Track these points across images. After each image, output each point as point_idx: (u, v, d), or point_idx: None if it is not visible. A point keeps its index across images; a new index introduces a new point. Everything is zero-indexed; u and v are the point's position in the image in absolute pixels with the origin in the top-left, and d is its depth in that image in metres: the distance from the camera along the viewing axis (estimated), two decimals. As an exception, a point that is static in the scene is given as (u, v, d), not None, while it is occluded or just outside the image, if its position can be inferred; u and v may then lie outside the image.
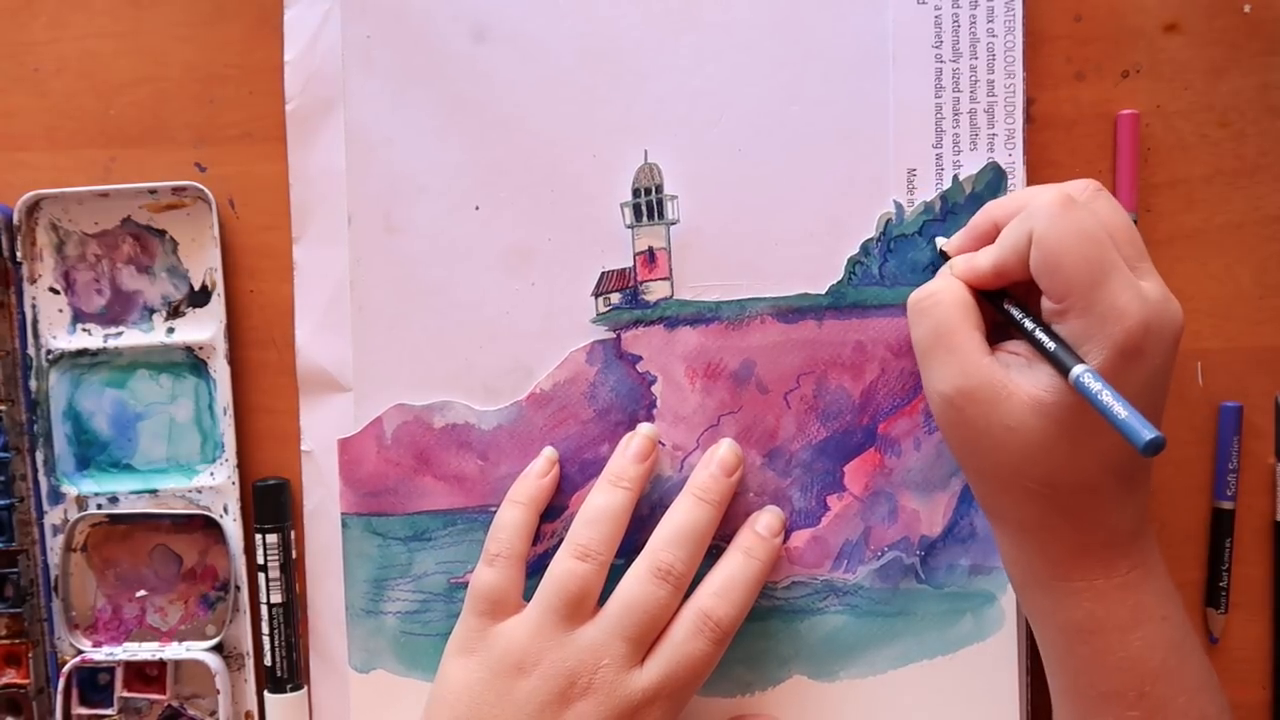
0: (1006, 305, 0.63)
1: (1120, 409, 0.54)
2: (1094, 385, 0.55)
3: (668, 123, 0.71)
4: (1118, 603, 0.61)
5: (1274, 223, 0.72)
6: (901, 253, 0.70)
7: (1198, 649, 0.63)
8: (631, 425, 0.72)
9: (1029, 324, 0.61)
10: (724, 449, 0.70)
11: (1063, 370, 0.57)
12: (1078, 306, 0.57)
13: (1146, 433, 0.52)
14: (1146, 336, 0.57)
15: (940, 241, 0.69)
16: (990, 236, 0.64)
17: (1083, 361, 0.56)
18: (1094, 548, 0.61)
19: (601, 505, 0.68)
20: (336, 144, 0.72)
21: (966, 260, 0.64)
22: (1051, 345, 0.58)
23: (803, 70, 0.70)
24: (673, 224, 0.70)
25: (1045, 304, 0.59)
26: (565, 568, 0.67)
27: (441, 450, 0.73)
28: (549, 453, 0.72)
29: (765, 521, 0.70)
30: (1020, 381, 0.59)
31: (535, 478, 0.71)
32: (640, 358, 0.71)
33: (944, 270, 0.66)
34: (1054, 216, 0.58)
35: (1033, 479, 0.60)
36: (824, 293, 0.70)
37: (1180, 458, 0.73)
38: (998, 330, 0.63)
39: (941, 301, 0.63)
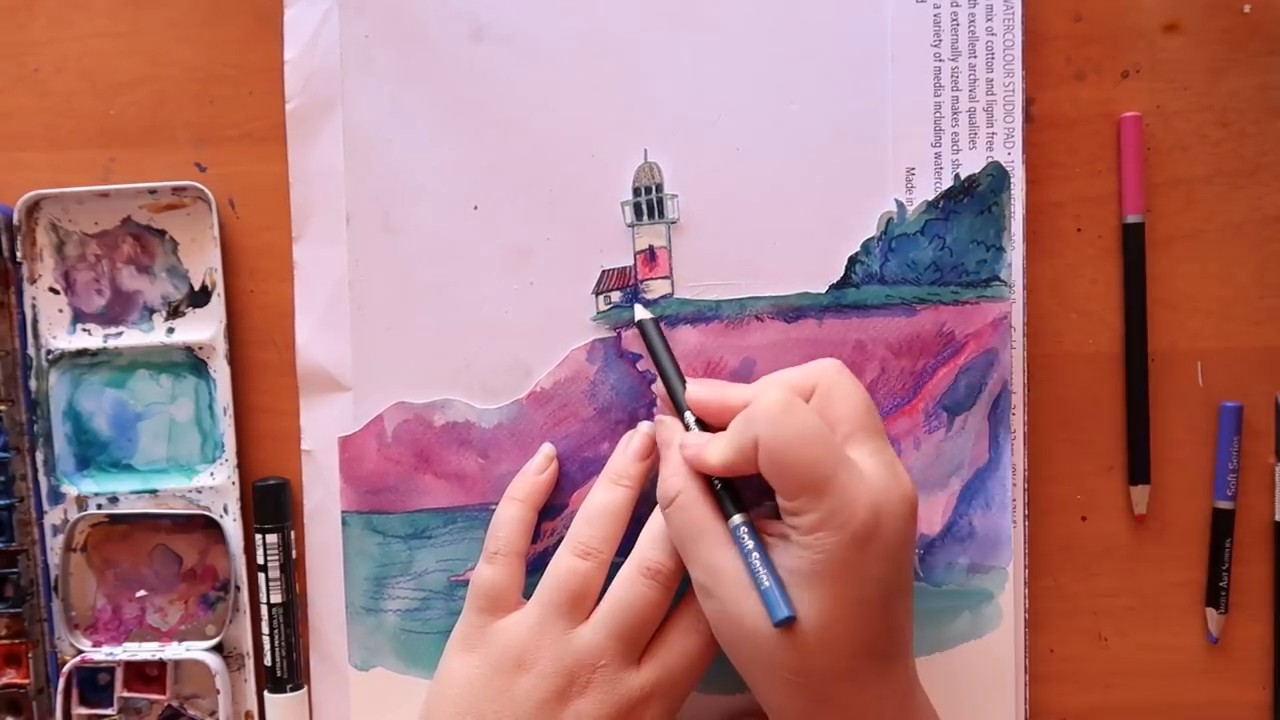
0: (716, 486, 0.64)
1: (764, 577, 0.56)
2: (747, 543, 0.57)
3: (666, 122, 0.71)
4: None
5: (1274, 223, 0.72)
6: (902, 252, 0.70)
7: None
8: (632, 424, 0.72)
9: (726, 505, 0.63)
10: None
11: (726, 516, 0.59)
12: (808, 504, 0.58)
13: (781, 609, 0.54)
14: (877, 521, 0.57)
15: (657, 389, 0.71)
16: (723, 413, 0.65)
17: (744, 512, 0.59)
18: None
19: (602, 503, 0.69)
20: (336, 144, 0.72)
21: (695, 452, 0.64)
22: (723, 497, 0.62)
23: (801, 69, 0.70)
24: (673, 223, 0.70)
25: (779, 499, 0.59)
26: (566, 565, 0.67)
27: (442, 448, 0.73)
28: (547, 449, 0.72)
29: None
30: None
31: (533, 474, 0.71)
32: (640, 356, 0.71)
33: (672, 445, 0.66)
34: (775, 422, 0.59)
35: (787, 667, 0.59)
36: (824, 292, 0.70)
37: (1180, 458, 0.73)
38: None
39: (684, 505, 0.63)
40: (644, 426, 0.71)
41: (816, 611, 0.57)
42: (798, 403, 0.60)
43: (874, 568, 0.58)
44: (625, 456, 0.70)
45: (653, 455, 0.70)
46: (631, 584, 0.66)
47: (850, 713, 0.60)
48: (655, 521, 0.68)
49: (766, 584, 0.56)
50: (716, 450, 0.63)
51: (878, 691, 0.60)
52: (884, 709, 0.61)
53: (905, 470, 0.61)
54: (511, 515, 0.70)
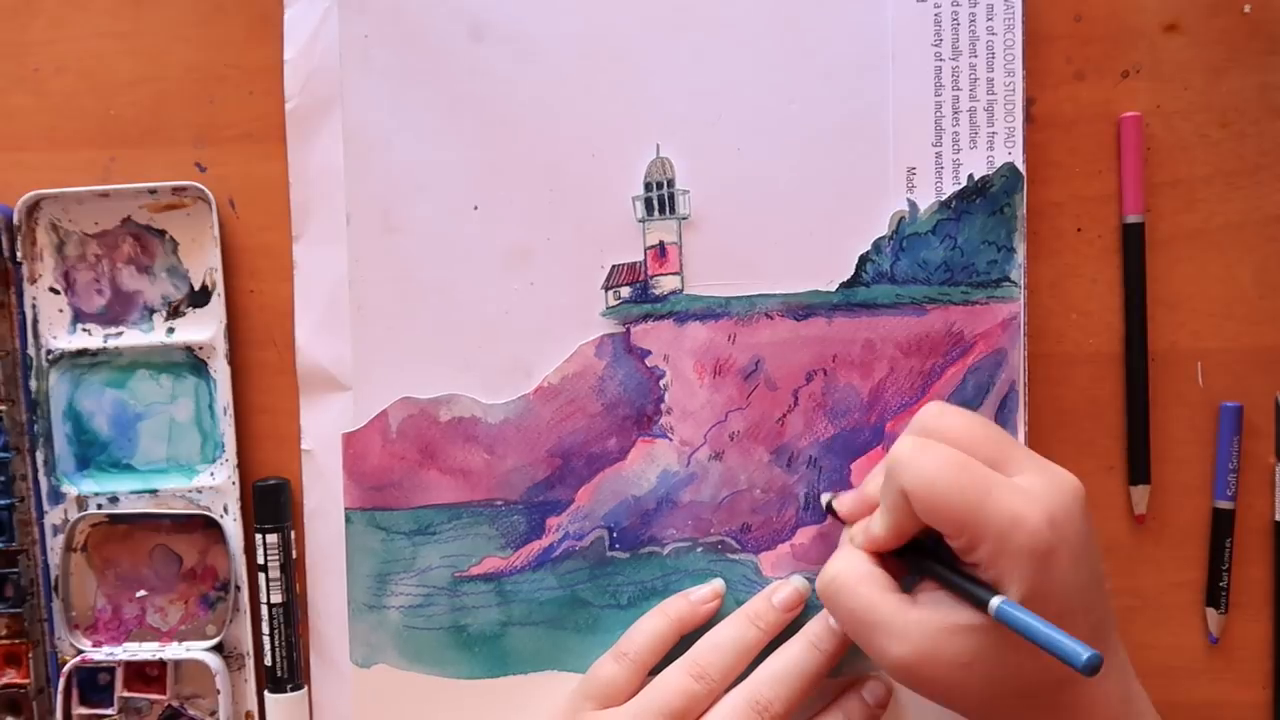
0: (913, 557, 0.63)
1: (1050, 633, 0.53)
2: (1016, 614, 0.55)
3: (667, 121, 0.71)
4: None
5: (1274, 223, 0.72)
6: (914, 251, 0.70)
7: None
8: (640, 420, 0.72)
9: (937, 569, 0.61)
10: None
11: (980, 605, 0.57)
12: (976, 535, 0.57)
13: (1083, 652, 0.52)
14: (1053, 529, 0.56)
15: (826, 498, 0.71)
16: (868, 506, 0.65)
17: (996, 593, 0.56)
18: None
19: (732, 637, 0.69)
20: (336, 143, 0.72)
21: (864, 531, 0.64)
22: (963, 585, 0.59)
23: (802, 69, 0.70)
24: (684, 218, 0.71)
25: (950, 542, 0.59)
26: (678, 682, 0.68)
27: (447, 444, 0.73)
28: (718, 585, 0.72)
29: None
30: (955, 616, 0.59)
31: (694, 601, 0.72)
32: (649, 352, 0.71)
33: (843, 541, 0.67)
34: (912, 465, 0.58)
35: (1013, 694, 0.59)
36: (834, 290, 0.70)
37: (1180, 458, 0.73)
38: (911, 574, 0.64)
39: (846, 584, 0.62)
40: (795, 581, 0.72)
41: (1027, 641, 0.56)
42: (927, 441, 0.59)
43: (1066, 577, 0.56)
44: (768, 603, 0.71)
45: (796, 609, 0.71)
46: (738, 714, 0.66)
47: (1079, 716, 0.59)
48: (775, 661, 0.68)
49: (1059, 637, 0.53)
50: (877, 521, 0.63)
51: (1100, 688, 0.59)
52: (1110, 703, 0.60)
53: (1058, 465, 0.60)
54: (654, 627, 0.71)
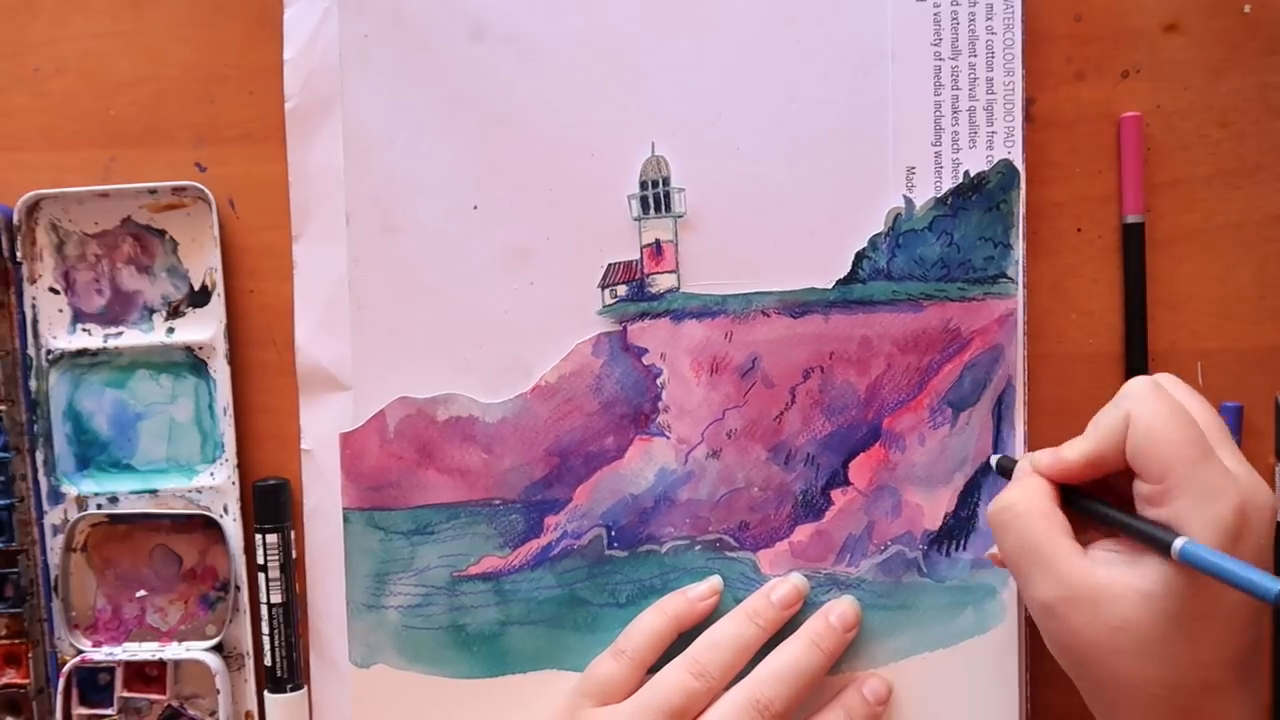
0: (1087, 502, 0.62)
1: (1238, 567, 0.52)
2: (1203, 553, 0.54)
3: (667, 120, 0.71)
4: None
5: (1274, 223, 0.72)
6: (910, 248, 0.70)
7: None
8: (637, 418, 0.72)
9: (1115, 513, 0.59)
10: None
11: (1163, 546, 0.55)
12: (1178, 487, 0.56)
13: (1273, 584, 0.51)
14: (1245, 516, 0.55)
15: (996, 459, 0.70)
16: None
17: (1179, 534, 0.55)
18: None
19: (730, 634, 0.70)
20: (336, 143, 0.72)
21: (1052, 455, 0.63)
22: (1145, 526, 0.57)
23: (801, 68, 0.70)
24: (680, 217, 0.71)
25: (1141, 488, 0.58)
26: (677, 680, 0.68)
27: (445, 443, 0.73)
28: (715, 582, 0.73)
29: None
30: (1124, 578, 0.57)
31: (691, 598, 0.72)
32: (646, 350, 0.71)
33: (1019, 472, 0.65)
34: (1148, 398, 0.58)
35: (1152, 681, 0.57)
36: (830, 287, 0.70)
37: (1180, 457, 0.73)
38: (1081, 531, 0.62)
39: (1023, 512, 0.61)
40: (794, 578, 0.72)
41: (1191, 617, 0.56)
42: (1166, 389, 0.59)
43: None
44: (767, 599, 0.71)
45: (794, 606, 0.71)
46: (739, 712, 0.66)
47: None
48: (775, 659, 0.69)
49: (1244, 572, 0.51)
50: (1075, 446, 0.61)
51: (1239, 710, 0.58)
52: None
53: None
54: (652, 625, 0.71)
